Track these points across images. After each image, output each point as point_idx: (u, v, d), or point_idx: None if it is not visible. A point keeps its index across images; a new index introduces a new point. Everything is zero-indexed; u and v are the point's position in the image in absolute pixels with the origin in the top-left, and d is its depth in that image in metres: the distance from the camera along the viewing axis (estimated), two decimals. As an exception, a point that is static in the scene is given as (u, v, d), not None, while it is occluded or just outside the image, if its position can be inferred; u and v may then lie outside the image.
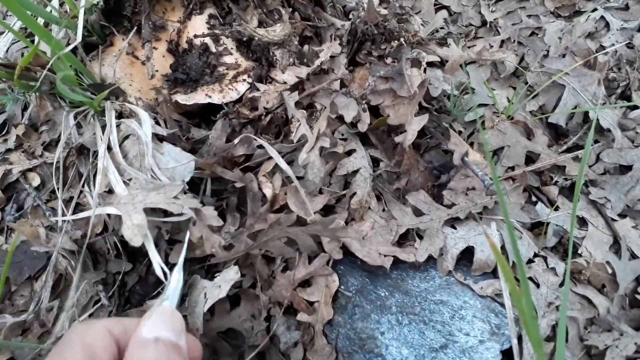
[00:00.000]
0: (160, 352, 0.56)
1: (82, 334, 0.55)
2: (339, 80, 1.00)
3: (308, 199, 0.93)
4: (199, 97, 1.01)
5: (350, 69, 1.06)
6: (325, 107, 1.00)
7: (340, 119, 1.00)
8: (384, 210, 0.96)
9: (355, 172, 0.96)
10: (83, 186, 1.00)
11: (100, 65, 1.03)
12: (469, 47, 1.16)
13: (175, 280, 0.71)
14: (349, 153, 0.99)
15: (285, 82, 0.99)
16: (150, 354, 0.56)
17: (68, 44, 0.95)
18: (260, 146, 0.95)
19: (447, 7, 1.23)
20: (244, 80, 1.03)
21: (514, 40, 1.15)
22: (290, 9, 1.08)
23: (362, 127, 0.98)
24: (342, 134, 1.01)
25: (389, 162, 1.00)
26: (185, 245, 0.79)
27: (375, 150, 1.03)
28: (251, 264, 0.88)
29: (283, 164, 0.89)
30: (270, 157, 0.95)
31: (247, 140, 0.94)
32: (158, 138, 0.93)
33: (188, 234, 0.81)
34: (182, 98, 1.01)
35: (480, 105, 1.07)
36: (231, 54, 1.06)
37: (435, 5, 1.23)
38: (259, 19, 1.06)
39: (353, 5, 1.12)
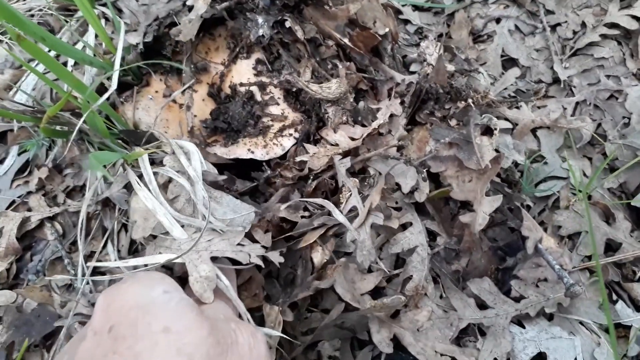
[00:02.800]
0: None
1: None
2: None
3: (358, 277, 0.83)
4: (241, 151, 0.91)
5: (409, 128, 0.95)
6: (379, 173, 0.89)
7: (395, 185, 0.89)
8: (441, 297, 0.85)
9: (411, 250, 0.85)
10: (106, 242, 0.91)
11: (134, 108, 0.94)
12: (538, 107, 1.04)
13: None
14: (404, 226, 0.88)
15: (336, 144, 0.89)
16: None
17: (103, 89, 0.86)
18: (305, 215, 0.85)
19: (515, 60, 1.10)
20: (290, 135, 0.93)
21: (590, 104, 1.03)
22: (346, 60, 0.97)
23: (420, 197, 0.87)
24: (396, 202, 0.90)
25: (448, 238, 0.89)
26: None
27: (432, 222, 0.91)
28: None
29: (346, 222, 0.80)
30: (315, 228, 0.85)
31: (297, 205, 0.84)
32: (210, 184, 0.82)
33: None
34: (221, 151, 0.91)
35: (552, 177, 0.95)
36: (278, 104, 0.95)
37: (502, 57, 1.11)
38: (312, 68, 0.96)
39: (414, 57, 1.01)
